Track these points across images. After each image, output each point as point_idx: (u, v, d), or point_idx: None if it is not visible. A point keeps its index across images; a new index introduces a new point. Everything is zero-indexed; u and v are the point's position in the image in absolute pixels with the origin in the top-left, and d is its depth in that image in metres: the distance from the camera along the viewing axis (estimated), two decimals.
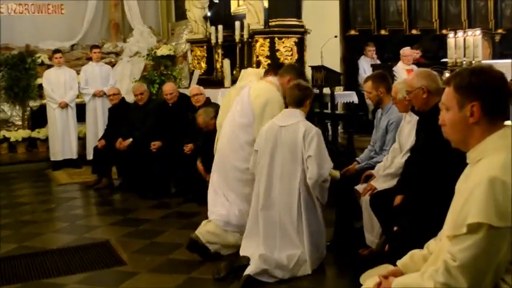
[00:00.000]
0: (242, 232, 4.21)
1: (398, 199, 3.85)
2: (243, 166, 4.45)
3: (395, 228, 3.62)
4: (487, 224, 1.80)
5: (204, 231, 4.40)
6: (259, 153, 4.18)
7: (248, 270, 3.79)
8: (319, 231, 4.11)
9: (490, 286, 1.87)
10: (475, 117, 1.97)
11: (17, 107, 10.01)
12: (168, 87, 7.27)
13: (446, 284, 1.87)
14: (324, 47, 8.37)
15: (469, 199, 1.87)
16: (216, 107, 6.81)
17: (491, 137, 1.97)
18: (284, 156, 4.06)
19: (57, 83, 8.81)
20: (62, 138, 8.76)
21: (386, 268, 2.37)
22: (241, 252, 4.06)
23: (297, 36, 8.22)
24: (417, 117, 4.04)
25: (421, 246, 2.29)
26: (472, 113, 1.97)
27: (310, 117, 4.25)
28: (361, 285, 2.39)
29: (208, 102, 6.83)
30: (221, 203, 4.53)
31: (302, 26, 8.26)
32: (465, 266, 1.84)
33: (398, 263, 2.28)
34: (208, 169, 5.94)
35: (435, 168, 3.39)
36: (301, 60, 8.25)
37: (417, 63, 9.44)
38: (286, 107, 4.32)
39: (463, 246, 1.85)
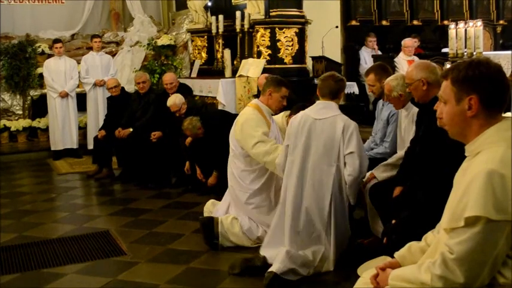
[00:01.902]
0: (260, 243, 4.19)
1: (397, 190, 3.86)
2: (250, 200, 4.46)
3: (393, 221, 3.63)
4: (485, 217, 1.81)
5: (226, 225, 4.41)
6: (290, 146, 4.03)
7: (274, 268, 3.65)
8: (345, 231, 4.03)
9: (487, 279, 1.88)
10: (473, 111, 1.97)
11: (18, 97, 9.99)
12: (168, 77, 7.27)
13: (443, 276, 1.88)
14: (325, 38, 8.35)
15: (466, 192, 1.87)
16: (202, 104, 6.81)
17: (489, 130, 1.97)
18: (318, 151, 3.92)
19: (58, 73, 8.79)
20: (62, 128, 8.76)
21: (383, 260, 2.37)
22: (262, 251, 3.98)
23: (298, 26, 8.19)
24: (414, 110, 4.04)
25: (419, 238, 2.29)
26: (470, 106, 1.97)
27: None
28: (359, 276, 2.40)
29: (191, 104, 6.79)
30: (241, 217, 4.51)
31: (303, 17, 8.23)
32: (462, 259, 1.84)
33: (396, 254, 2.29)
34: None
35: (434, 160, 3.38)
36: (301, 50, 8.24)
37: (418, 54, 9.41)
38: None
39: (460, 239, 1.86)
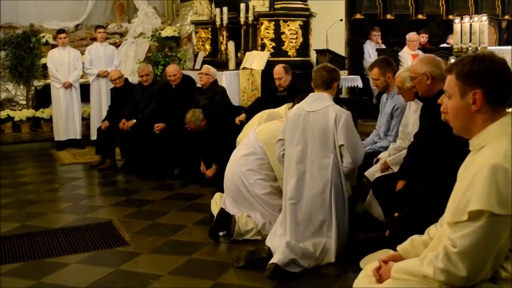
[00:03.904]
0: None
1: (400, 184, 3.86)
2: (265, 191, 4.50)
3: (396, 214, 3.63)
4: (488, 211, 1.81)
5: (242, 224, 4.40)
6: (286, 141, 4.05)
7: (275, 259, 3.65)
8: (344, 221, 4.01)
9: (489, 273, 1.89)
10: (478, 105, 1.97)
11: (21, 87, 10.00)
12: (172, 69, 7.25)
13: (445, 270, 1.88)
14: (329, 31, 8.33)
15: (470, 186, 1.87)
16: (221, 89, 6.84)
17: (493, 125, 1.97)
18: (314, 144, 3.92)
19: (61, 63, 8.79)
20: (65, 118, 8.76)
21: (386, 253, 2.38)
22: (267, 242, 3.98)
23: (302, 19, 8.16)
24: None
25: (421, 231, 2.30)
26: (474, 101, 1.97)
27: None
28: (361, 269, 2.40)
29: (215, 84, 6.82)
30: (254, 215, 4.51)
31: (307, 9, 8.20)
32: (465, 252, 1.85)
33: (399, 247, 2.29)
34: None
35: (438, 154, 3.38)
36: (306, 43, 8.20)
37: (423, 48, 9.39)
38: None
39: (463, 233, 1.86)
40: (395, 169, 4.19)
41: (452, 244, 1.88)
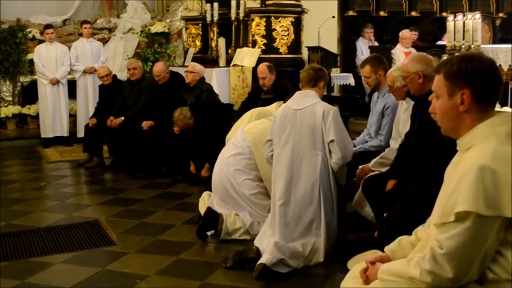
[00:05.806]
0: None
1: (390, 184, 3.83)
2: (254, 191, 4.48)
3: (385, 215, 3.60)
4: (475, 212, 1.80)
5: (229, 222, 4.36)
6: (274, 141, 4.04)
7: (263, 260, 3.65)
8: (333, 220, 4.00)
9: (476, 274, 1.88)
10: (465, 105, 1.96)
11: (8, 83, 9.84)
12: (157, 68, 7.04)
13: (432, 271, 1.88)
14: (321, 28, 8.27)
15: (457, 187, 1.87)
16: (208, 87, 6.78)
17: (481, 125, 1.96)
18: (302, 142, 3.91)
19: (49, 59, 8.68)
20: (52, 115, 8.65)
21: (374, 254, 2.38)
22: (256, 242, 3.97)
23: (294, 15, 8.13)
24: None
25: (411, 231, 2.29)
26: (462, 101, 1.96)
27: None
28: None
29: (202, 82, 6.75)
30: (242, 214, 4.48)
31: (299, 6, 8.17)
32: (451, 254, 1.84)
33: (386, 248, 2.29)
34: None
35: (428, 153, 3.36)
36: (297, 40, 8.18)
37: (415, 46, 9.37)
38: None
39: (450, 234, 1.86)
40: (383, 170, 4.15)
41: (438, 245, 1.87)
